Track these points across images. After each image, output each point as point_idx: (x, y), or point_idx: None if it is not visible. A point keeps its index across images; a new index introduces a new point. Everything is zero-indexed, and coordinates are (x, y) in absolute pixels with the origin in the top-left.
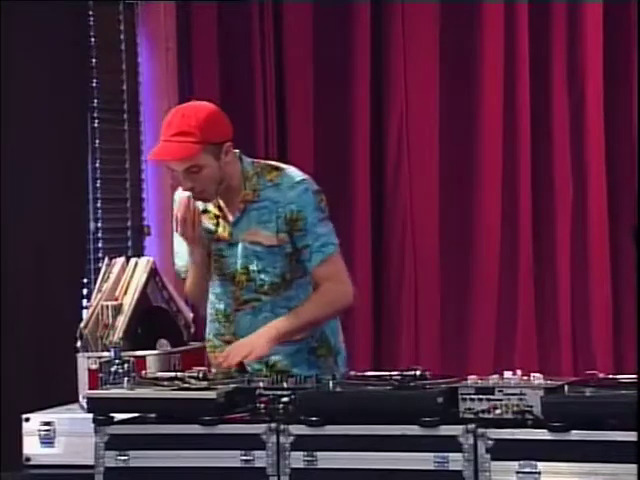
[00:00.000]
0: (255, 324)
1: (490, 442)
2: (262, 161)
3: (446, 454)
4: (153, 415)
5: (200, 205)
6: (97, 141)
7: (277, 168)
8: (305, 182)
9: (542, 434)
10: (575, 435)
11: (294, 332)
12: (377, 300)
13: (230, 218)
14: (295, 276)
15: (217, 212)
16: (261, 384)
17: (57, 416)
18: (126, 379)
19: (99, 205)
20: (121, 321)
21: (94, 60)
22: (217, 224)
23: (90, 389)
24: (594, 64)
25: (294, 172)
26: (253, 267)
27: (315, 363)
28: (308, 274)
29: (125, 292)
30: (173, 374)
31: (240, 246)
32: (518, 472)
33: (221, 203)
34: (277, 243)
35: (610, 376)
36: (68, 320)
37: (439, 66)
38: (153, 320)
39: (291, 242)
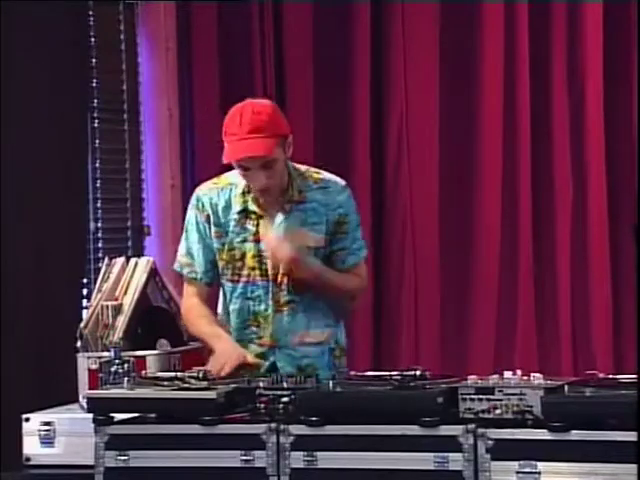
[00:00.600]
0: (293, 325)
1: (490, 442)
2: (298, 165)
3: (446, 454)
4: (153, 415)
5: (239, 206)
6: (97, 141)
7: (317, 172)
8: (348, 187)
9: (542, 434)
10: (575, 435)
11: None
12: (377, 300)
13: (273, 219)
14: None
15: (259, 212)
16: (261, 384)
17: (57, 416)
18: (126, 379)
19: (99, 205)
20: (121, 321)
21: (94, 60)
22: (258, 224)
23: (90, 389)
24: (594, 64)
25: (335, 177)
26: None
27: (333, 364)
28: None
29: (125, 292)
30: (173, 374)
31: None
32: (518, 472)
33: (262, 204)
34: (323, 245)
35: (610, 376)
36: (68, 320)
37: (439, 66)
38: (153, 320)
39: (329, 244)
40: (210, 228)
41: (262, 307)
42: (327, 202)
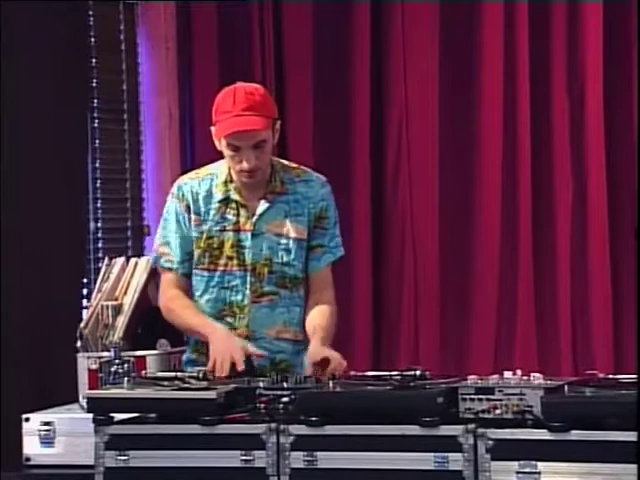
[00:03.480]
0: (272, 318)
1: (490, 442)
2: (279, 159)
3: (446, 454)
4: (153, 415)
5: (220, 195)
6: (97, 141)
7: (297, 167)
8: (329, 184)
9: (542, 434)
10: (575, 435)
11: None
12: (377, 300)
13: (254, 209)
14: (304, 276)
15: (241, 200)
16: (261, 384)
17: (57, 416)
18: (126, 379)
19: (99, 205)
20: (121, 321)
21: (94, 60)
22: (238, 214)
23: (90, 389)
24: (594, 64)
25: (314, 172)
26: (277, 259)
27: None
28: (311, 272)
29: (125, 292)
30: (173, 374)
31: (265, 237)
32: (518, 472)
33: (244, 193)
34: (305, 238)
35: (610, 376)
36: (68, 320)
37: (439, 66)
38: (153, 320)
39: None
40: (190, 218)
41: (239, 297)
42: (309, 195)
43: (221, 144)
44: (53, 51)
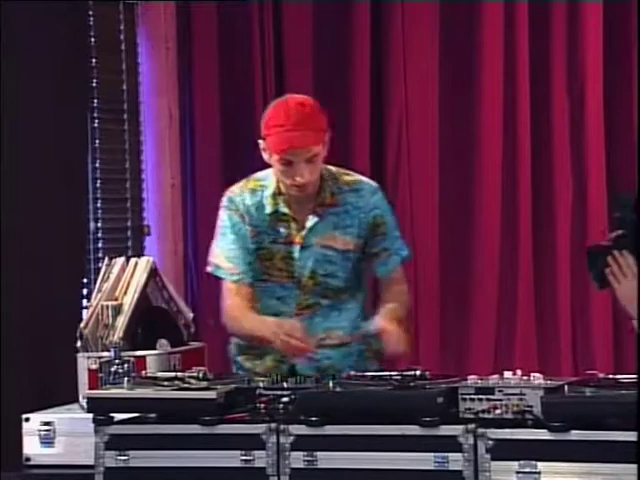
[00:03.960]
0: (312, 328)
1: (490, 442)
2: (330, 166)
3: (446, 454)
4: (153, 415)
5: (270, 208)
6: (97, 141)
7: (347, 173)
8: (380, 189)
9: (542, 434)
10: (575, 435)
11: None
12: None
13: (305, 222)
14: (353, 284)
15: (290, 214)
16: (261, 384)
17: (57, 416)
18: (126, 379)
19: (99, 205)
20: (121, 321)
21: (94, 60)
22: (289, 227)
23: (90, 389)
24: (594, 64)
25: (365, 178)
26: (321, 271)
27: (362, 366)
28: (382, 277)
29: (125, 292)
30: (173, 374)
31: (313, 250)
32: (518, 472)
33: (294, 206)
34: (353, 248)
35: (610, 376)
36: (68, 320)
37: (439, 66)
38: (153, 320)
39: (365, 246)
40: (247, 228)
41: (285, 308)
42: (360, 205)
43: (271, 158)
44: (53, 51)
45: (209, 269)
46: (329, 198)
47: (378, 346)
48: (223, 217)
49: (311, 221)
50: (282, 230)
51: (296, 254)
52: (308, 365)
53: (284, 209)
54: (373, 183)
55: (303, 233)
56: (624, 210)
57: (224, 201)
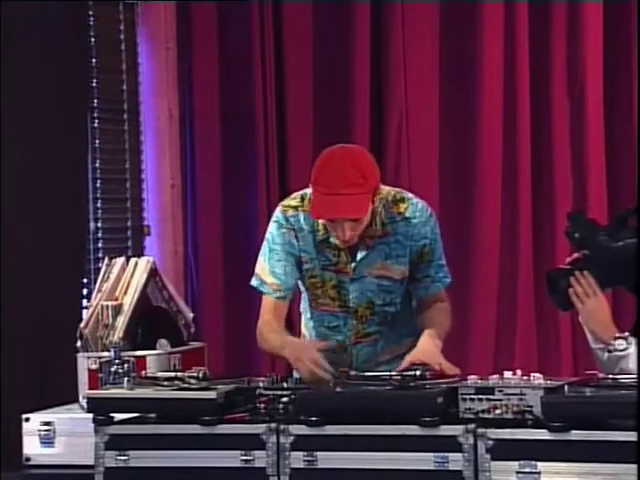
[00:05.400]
0: (374, 354)
1: (490, 442)
2: (383, 189)
3: (446, 454)
4: (153, 415)
5: (321, 234)
6: (97, 141)
7: (402, 199)
8: (433, 215)
9: (542, 434)
10: (575, 435)
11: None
12: None
13: (354, 252)
14: (407, 306)
15: (340, 245)
16: (261, 384)
17: (57, 416)
18: (126, 379)
19: (99, 205)
20: (121, 321)
21: (94, 60)
22: (338, 255)
23: (90, 389)
24: (594, 64)
25: (420, 203)
26: (379, 301)
27: None
28: (420, 299)
29: (125, 292)
30: (173, 374)
31: (366, 281)
32: (518, 472)
33: None
34: (407, 274)
35: (610, 376)
36: (68, 320)
37: (439, 66)
38: (153, 320)
39: (410, 272)
40: (300, 248)
41: (340, 337)
42: (411, 233)
43: None
44: (53, 51)
45: (253, 282)
46: (380, 230)
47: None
48: (275, 232)
49: (360, 253)
50: (332, 257)
51: (347, 285)
52: None
53: (334, 239)
54: (426, 210)
55: (353, 265)
56: (582, 228)
57: (278, 216)
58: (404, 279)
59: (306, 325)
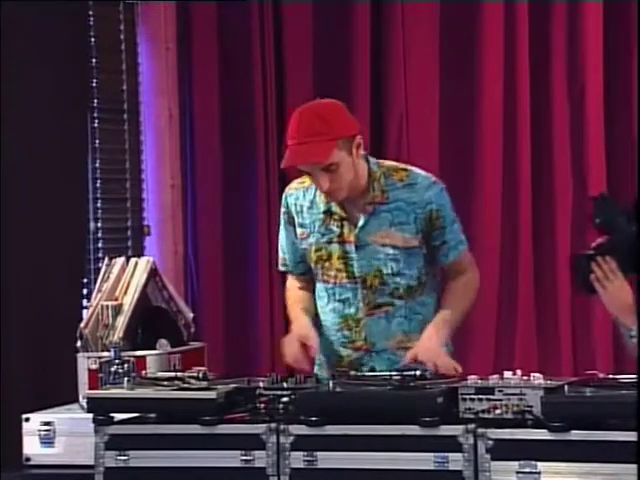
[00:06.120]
0: (389, 330)
1: (490, 442)
2: (385, 161)
3: (446, 454)
4: (153, 415)
5: (323, 206)
6: (97, 141)
7: (404, 169)
8: (438, 182)
9: (542, 434)
10: (575, 435)
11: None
12: None
13: (356, 220)
14: (428, 279)
15: (342, 214)
16: (261, 384)
17: (57, 416)
18: (126, 379)
19: (99, 205)
20: (121, 321)
21: (94, 60)
22: (342, 226)
23: (90, 389)
24: (594, 64)
25: (423, 172)
26: (387, 270)
27: None
28: (442, 265)
29: (125, 292)
30: (173, 374)
31: (371, 249)
32: (518, 472)
33: (346, 205)
34: (418, 244)
35: (610, 376)
36: (68, 320)
37: (439, 66)
38: (153, 320)
39: (426, 241)
40: (295, 230)
41: (352, 310)
42: (414, 200)
43: None
44: (53, 51)
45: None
46: (380, 195)
47: (450, 346)
48: (280, 213)
49: (362, 219)
50: (335, 229)
51: (352, 254)
52: (389, 368)
53: (335, 208)
54: (429, 177)
55: (356, 232)
56: (605, 213)
57: (283, 197)
58: (413, 248)
59: (322, 310)
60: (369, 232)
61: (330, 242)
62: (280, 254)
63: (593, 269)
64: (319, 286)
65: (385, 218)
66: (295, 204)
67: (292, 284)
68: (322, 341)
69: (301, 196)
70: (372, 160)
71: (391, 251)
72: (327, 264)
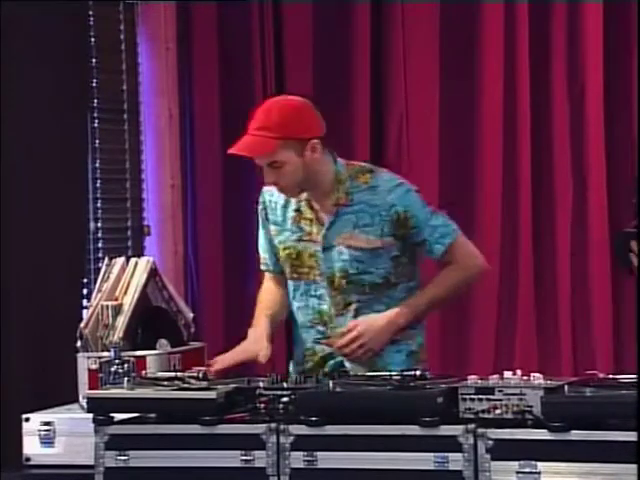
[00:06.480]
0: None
1: (490, 442)
2: (355, 163)
3: (446, 454)
4: (153, 415)
5: (294, 204)
6: (97, 141)
7: (370, 170)
8: (404, 184)
9: (542, 434)
10: (575, 435)
11: (416, 319)
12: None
13: (323, 221)
14: (402, 280)
15: (310, 214)
16: (261, 384)
17: (57, 416)
18: (126, 379)
19: (99, 205)
20: (121, 321)
21: (94, 60)
22: (311, 225)
23: (90, 389)
24: (594, 64)
25: (388, 174)
26: (353, 270)
27: (414, 366)
28: (434, 259)
29: (125, 292)
30: (173, 374)
31: (336, 250)
32: (518, 472)
33: (315, 205)
34: (382, 245)
35: (610, 376)
36: (68, 320)
37: (439, 66)
38: (153, 320)
39: (403, 242)
40: (269, 228)
41: (325, 307)
42: (376, 203)
43: None
44: (53, 51)
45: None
46: (343, 198)
47: (423, 342)
48: (258, 209)
49: (327, 220)
50: (306, 227)
51: (320, 254)
52: (360, 364)
53: (304, 208)
54: (394, 180)
55: (323, 232)
56: None
57: (260, 194)
58: (377, 249)
59: (295, 308)
60: (334, 233)
61: (300, 240)
62: (261, 253)
63: (631, 247)
64: (291, 284)
65: (349, 220)
66: (270, 200)
67: (267, 286)
68: (296, 338)
69: (276, 193)
70: (340, 162)
71: (356, 253)
72: (296, 262)
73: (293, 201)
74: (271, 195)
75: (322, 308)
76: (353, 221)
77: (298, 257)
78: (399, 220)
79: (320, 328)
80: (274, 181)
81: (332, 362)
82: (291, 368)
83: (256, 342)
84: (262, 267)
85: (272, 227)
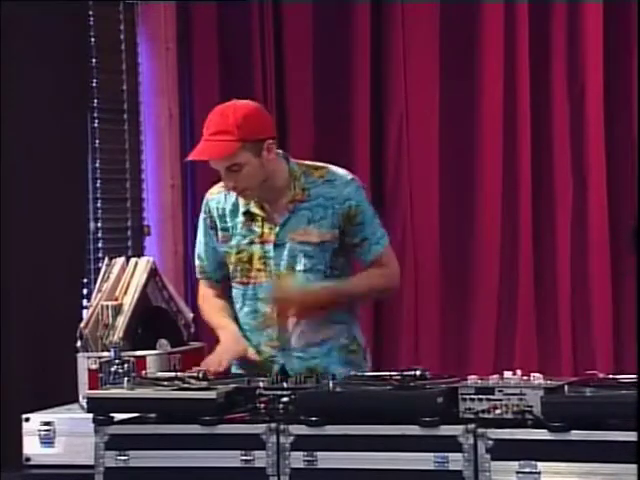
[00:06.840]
0: (297, 327)
1: (490, 442)
2: (305, 161)
3: (446, 454)
4: (153, 415)
5: (242, 207)
6: (97, 141)
7: (322, 167)
8: (356, 180)
9: (542, 434)
10: (575, 435)
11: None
12: (377, 300)
13: (277, 220)
14: (334, 274)
15: (261, 214)
16: (261, 384)
17: (57, 416)
18: (126, 379)
19: (99, 205)
20: (121, 321)
21: (94, 60)
22: (262, 226)
23: (90, 389)
24: (594, 64)
25: (342, 169)
26: (299, 267)
27: (347, 360)
28: (362, 264)
29: (125, 292)
30: (173, 374)
31: (287, 247)
32: (518, 472)
33: (266, 205)
34: (330, 239)
35: (610, 376)
36: (68, 320)
37: (439, 66)
38: (153, 320)
39: (344, 237)
40: (217, 234)
41: (267, 309)
42: (333, 195)
43: None
44: (53, 51)
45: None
46: (300, 194)
47: (359, 338)
48: (200, 218)
49: (282, 218)
50: (257, 229)
51: (271, 253)
52: (298, 365)
53: (255, 209)
54: (348, 175)
55: (276, 231)
56: None
57: (203, 204)
58: (324, 243)
59: (240, 313)
60: (288, 230)
61: (251, 243)
62: (197, 262)
63: None
64: (237, 290)
65: (304, 216)
66: (217, 208)
67: (207, 292)
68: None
69: (223, 199)
70: (292, 160)
71: (307, 248)
72: (247, 265)
73: (241, 205)
74: (217, 202)
75: (265, 311)
76: (308, 216)
77: (249, 260)
78: (349, 214)
79: (269, 330)
80: (234, 184)
81: (276, 366)
82: (234, 369)
83: (236, 342)
84: (198, 275)
85: (220, 234)
